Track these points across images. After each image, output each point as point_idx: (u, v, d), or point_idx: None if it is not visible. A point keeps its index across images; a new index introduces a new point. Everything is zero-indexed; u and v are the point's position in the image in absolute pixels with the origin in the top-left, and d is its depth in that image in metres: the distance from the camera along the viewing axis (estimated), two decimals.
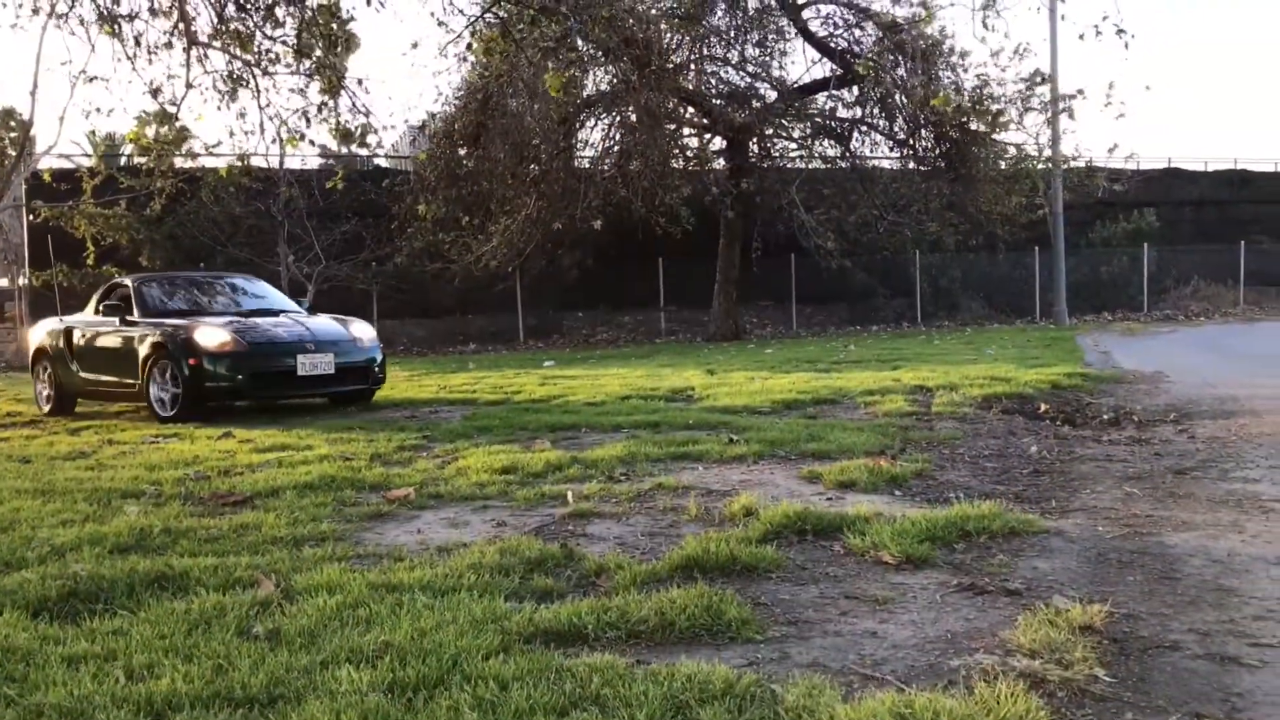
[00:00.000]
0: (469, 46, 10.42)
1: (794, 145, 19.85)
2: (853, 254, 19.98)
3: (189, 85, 9.39)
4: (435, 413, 7.93)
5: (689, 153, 19.85)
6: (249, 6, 9.02)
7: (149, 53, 9.12)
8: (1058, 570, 3.04)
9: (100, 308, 9.30)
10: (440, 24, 20.83)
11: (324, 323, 9.16)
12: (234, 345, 8.18)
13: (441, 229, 18.18)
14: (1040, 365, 9.97)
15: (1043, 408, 6.97)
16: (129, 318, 8.96)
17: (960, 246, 22.80)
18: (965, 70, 18.21)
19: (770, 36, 18.67)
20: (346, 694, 2.16)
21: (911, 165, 19.65)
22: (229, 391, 8.25)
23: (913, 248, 22.52)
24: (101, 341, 9.20)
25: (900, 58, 16.42)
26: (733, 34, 18.48)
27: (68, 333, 9.59)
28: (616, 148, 18.42)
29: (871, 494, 4.24)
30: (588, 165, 18.78)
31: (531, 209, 17.70)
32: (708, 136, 20.00)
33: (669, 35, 17.75)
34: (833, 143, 19.55)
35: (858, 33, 17.83)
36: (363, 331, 9.12)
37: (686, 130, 19.90)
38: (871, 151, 19.71)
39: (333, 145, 16.87)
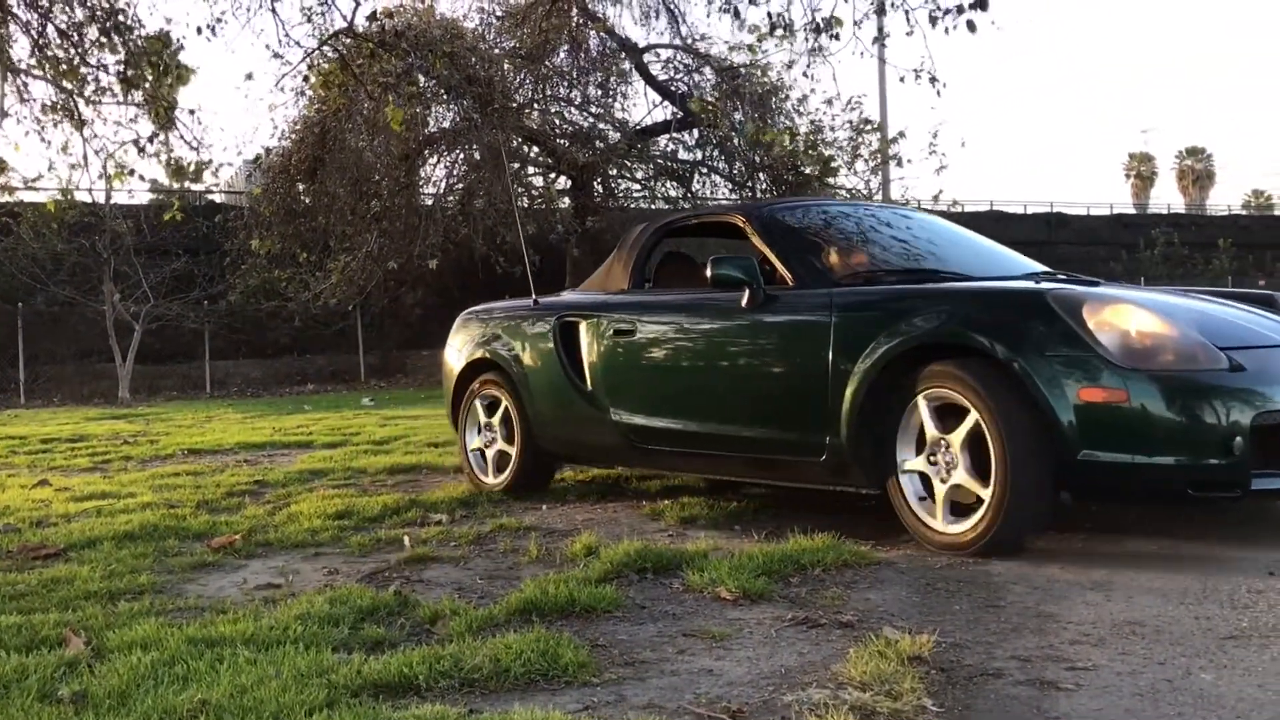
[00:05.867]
0: (306, 79, 10.22)
1: (637, 186, 20.11)
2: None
3: (4, 114, 8.90)
4: (269, 456, 7.65)
5: (534, 191, 19.87)
6: (71, 34, 8.62)
7: None
8: (889, 601, 3.10)
9: (708, 275, 4.28)
10: (276, 56, 20.30)
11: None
12: (1187, 350, 3.43)
13: (278, 266, 17.68)
14: None
15: None
16: (789, 292, 4.23)
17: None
18: (801, 115, 18.80)
19: (613, 79, 18.90)
20: None
21: None
22: (1177, 475, 3.31)
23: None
24: (688, 347, 4.61)
25: (738, 102, 16.84)
26: (576, 75, 18.63)
27: (565, 331, 5.07)
28: (460, 185, 18.30)
29: (712, 530, 4.28)
30: (430, 202, 18.59)
31: (373, 245, 17.40)
32: (553, 175, 20.08)
33: (512, 74, 17.78)
34: (675, 184, 19.88)
35: (697, 77, 18.21)
36: None
37: (531, 169, 19.93)
38: (712, 193, 20.13)
39: (164, 179, 16.28)
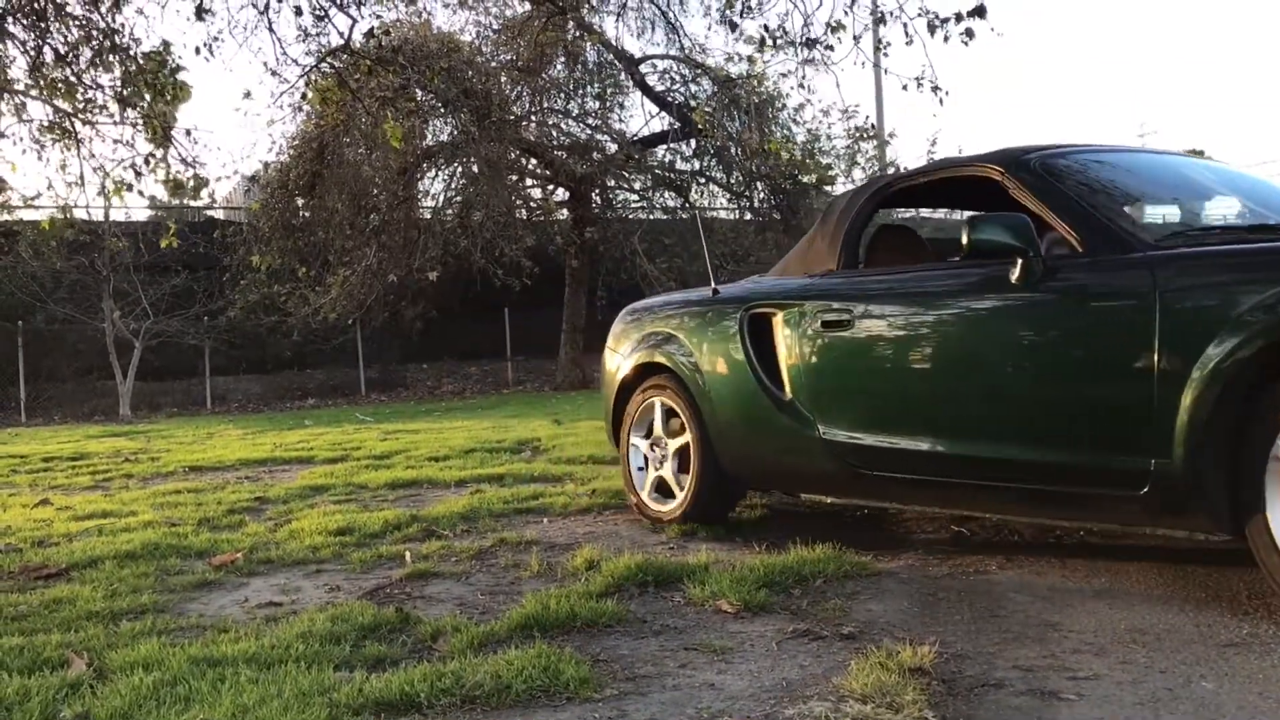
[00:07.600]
0: (304, 96, 10.24)
1: (635, 196, 20.14)
2: None
3: (1, 135, 8.91)
4: (270, 472, 7.65)
5: (532, 203, 19.91)
6: (67, 54, 8.64)
7: None
8: (890, 612, 3.10)
9: (965, 241, 3.20)
10: (273, 74, 20.33)
11: None
12: None
13: (277, 281, 17.71)
14: None
15: None
16: (1082, 261, 3.07)
17: None
18: (798, 124, 18.85)
19: (610, 90, 18.95)
20: None
21: (748, 216, 20.17)
22: None
23: None
24: (932, 340, 3.48)
25: (735, 112, 16.87)
26: (573, 87, 18.69)
27: (755, 326, 4.14)
28: (459, 198, 18.33)
29: (713, 542, 4.27)
30: (429, 216, 18.63)
31: (372, 260, 17.43)
32: (550, 187, 20.11)
33: (509, 87, 17.83)
34: (673, 194, 19.91)
35: (694, 87, 18.25)
36: None
37: (529, 181, 19.97)
38: (710, 203, 20.16)
39: (163, 196, 16.31)
